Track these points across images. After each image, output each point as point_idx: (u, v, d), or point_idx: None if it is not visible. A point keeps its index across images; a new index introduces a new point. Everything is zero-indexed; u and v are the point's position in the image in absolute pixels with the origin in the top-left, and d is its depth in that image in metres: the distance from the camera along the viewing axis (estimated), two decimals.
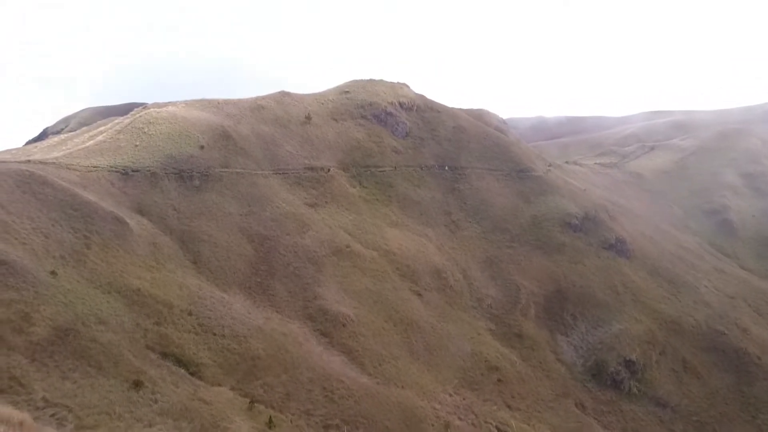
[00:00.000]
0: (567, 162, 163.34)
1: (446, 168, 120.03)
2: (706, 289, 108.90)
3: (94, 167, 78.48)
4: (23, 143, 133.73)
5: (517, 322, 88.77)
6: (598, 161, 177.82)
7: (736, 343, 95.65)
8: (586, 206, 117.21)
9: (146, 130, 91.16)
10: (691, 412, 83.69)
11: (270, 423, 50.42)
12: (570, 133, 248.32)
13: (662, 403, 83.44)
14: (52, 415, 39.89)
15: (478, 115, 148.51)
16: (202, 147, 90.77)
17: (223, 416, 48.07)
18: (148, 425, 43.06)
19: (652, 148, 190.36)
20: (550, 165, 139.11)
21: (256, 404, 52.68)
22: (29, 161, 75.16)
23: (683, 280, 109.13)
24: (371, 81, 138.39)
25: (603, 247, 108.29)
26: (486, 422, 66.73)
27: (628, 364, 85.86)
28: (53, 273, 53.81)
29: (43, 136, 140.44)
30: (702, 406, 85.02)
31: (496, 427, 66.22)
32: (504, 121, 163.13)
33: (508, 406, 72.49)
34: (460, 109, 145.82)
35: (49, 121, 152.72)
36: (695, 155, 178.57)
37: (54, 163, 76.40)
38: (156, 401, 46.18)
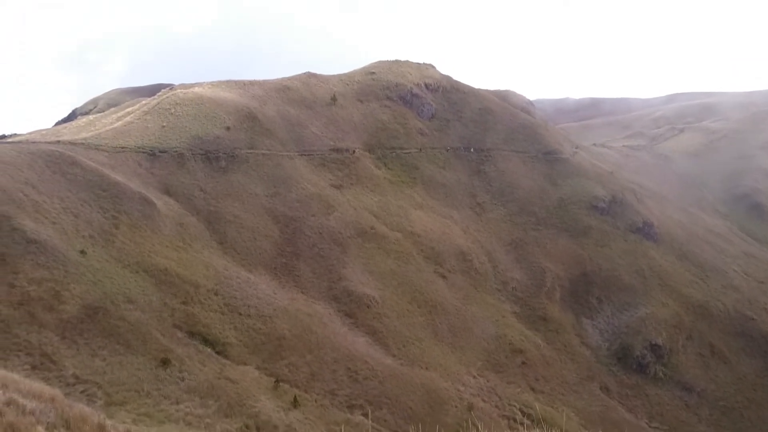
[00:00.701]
0: (594, 144, 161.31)
1: (472, 150, 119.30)
2: (735, 274, 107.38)
3: (122, 148, 79.24)
4: (53, 124, 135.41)
5: (542, 305, 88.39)
6: (626, 143, 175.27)
7: (765, 328, 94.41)
8: (614, 189, 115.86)
9: (173, 111, 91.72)
10: (718, 397, 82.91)
11: (295, 402, 50.90)
12: (597, 114, 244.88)
13: (688, 388, 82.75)
14: (83, 392, 40.62)
15: (505, 96, 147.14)
16: (228, 128, 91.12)
17: (249, 395, 48.62)
18: (175, 402, 43.69)
19: (682, 131, 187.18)
20: (577, 147, 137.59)
21: (281, 383, 53.18)
22: (59, 142, 76.11)
23: (712, 264, 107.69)
24: (397, 62, 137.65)
25: (630, 231, 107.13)
26: (510, 404, 66.74)
27: (654, 348, 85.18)
28: (83, 252, 54.60)
29: (72, 116, 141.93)
30: (729, 391, 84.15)
31: (520, 410, 66.17)
32: (531, 102, 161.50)
33: (532, 389, 72.42)
34: (487, 90, 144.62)
35: (78, 102, 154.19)
36: (726, 138, 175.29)
37: (83, 143, 77.27)
38: (183, 379, 46.81)
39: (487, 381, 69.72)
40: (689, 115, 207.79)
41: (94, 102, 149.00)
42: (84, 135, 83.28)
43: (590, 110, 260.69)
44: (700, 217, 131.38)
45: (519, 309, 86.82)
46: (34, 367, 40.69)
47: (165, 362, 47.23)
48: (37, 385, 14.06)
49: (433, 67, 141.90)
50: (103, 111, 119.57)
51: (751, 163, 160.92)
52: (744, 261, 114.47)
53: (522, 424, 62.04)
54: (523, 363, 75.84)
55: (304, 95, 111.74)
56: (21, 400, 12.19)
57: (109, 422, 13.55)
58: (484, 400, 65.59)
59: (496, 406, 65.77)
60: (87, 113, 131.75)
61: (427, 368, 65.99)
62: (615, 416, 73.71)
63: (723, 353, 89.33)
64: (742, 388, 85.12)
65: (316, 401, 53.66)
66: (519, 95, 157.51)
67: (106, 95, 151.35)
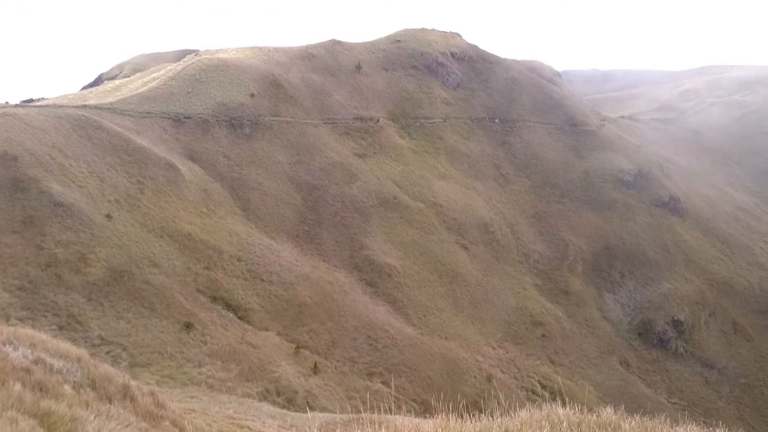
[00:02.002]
0: (622, 117, 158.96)
1: (497, 120, 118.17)
2: (762, 251, 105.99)
3: (148, 113, 79.60)
4: (79, 88, 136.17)
5: (564, 278, 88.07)
6: (654, 116, 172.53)
7: None
8: (640, 162, 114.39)
9: (198, 77, 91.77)
10: (739, 374, 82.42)
11: (315, 368, 51.47)
12: (625, 86, 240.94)
13: (709, 365, 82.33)
14: (108, 353, 41.41)
15: (532, 67, 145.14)
16: (252, 95, 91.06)
17: (270, 360, 49.23)
18: (197, 365, 44.39)
19: (712, 104, 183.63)
20: (604, 119, 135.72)
21: (301, 350, 53.77)
22: (85, 106, 76.59)
23: (738, 241, 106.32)
24: (423, 30, 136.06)
25: (655, 205, 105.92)
26: (528, 376, 66.97)
27: (676, 324, 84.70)
28: (108, 216, 55.25)
29: (99, 81, 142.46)
30: (750, 368, 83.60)
31: (539, 382, 66.39)
32: (558, 74, 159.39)
33: (552, 362, 72.51)
34: (513, 60, 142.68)
35: (105, 67, 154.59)
36: (757, 113, 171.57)
37: (109, 108, 77.72)
38: (206, 343, 47.49)
39: (507, 352, 69.91)
40: (719, 88, 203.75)
41: (120, 67, 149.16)
42: (110, 100, 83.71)
43: (618, 82, 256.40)
44: (728, 193, 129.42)
45: (540, 282, 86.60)
46: (61, 328, 41.52)
47: (188, 326, 47.91)
48: (64, 345, 14.29)
49: (459, 35, 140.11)
50: (129, 76, 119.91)
51: None
52: None
53: (541, 396, 62.24)
54: (543, 336, 75.87)
55: (329, 63, 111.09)
56: (48, 359, 12.40)
57: (133, 383, 13.76)
58: (503, 371, 65.86)
59: (515, 378, 66.03)
60: (113, 78, 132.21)
61: (446, 338, 66.29)
62: (634, 391, 73.65)
63: (746, 330, 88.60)
64: (764, 366, 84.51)
65: (335, 368, 54.21)
66: (547, 66, 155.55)
67: (132, 60, 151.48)
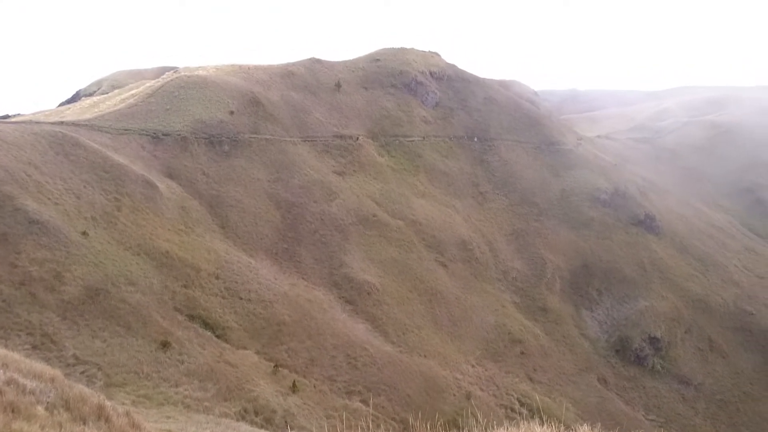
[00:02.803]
0: (598, 136, 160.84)
1: (475, 139, 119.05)
2: (736, 269, 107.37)
3: (126, 130, 79.16)
4: (56, 105, 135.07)
5: (542, 295, 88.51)
6: (630, 136, 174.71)
7: (764, 323, 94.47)
8: (616, 181, 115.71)
9: (177, 94, 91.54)
10: (715, 391, 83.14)
11: (294, 387, 51.10)
12: (602, 106, 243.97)
13: (685, 381, 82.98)
14: (82, 372, 40.79)
15: (509, 86, 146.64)
16: (232, 112, 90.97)
17: (248, 379, 48.81)
18: (174, 385, 43.86)
19: (686, 124, 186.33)
20: (580, 139, 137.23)
21: (280, 368, 53.37)
22: (62, 123, 76.05)
23: (713, 258, 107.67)
24: (402, 49, 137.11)
25: (632, 223, 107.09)
26: (508, 394, 67.00)
27: (653, 340, 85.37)
28: (84, 234, 54.67)
29: (76, 97, 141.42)
30: (726, 385, 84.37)
31: (518, 399, 66.44)
32: (535, 93, 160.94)
33: (530, 379, 72.65)
34: (491, 80, 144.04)
35: (82, 84, 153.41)
36: (730, 132, 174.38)
37: (86, 124, 77.19)
38: (183, 362, 46.97)
39: (486, 370, 69.96)
40: (694, 108, 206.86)
41: (98, 83, 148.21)
42: (87, 116, 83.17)
43: (595, 102, 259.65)
44: (703, 211, 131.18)
45: (519, 299, 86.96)
46: (34, 347, 40.87)
47: (165, 345, 47.39)
48: (38, 365, 14.12)
49: (438, 55, 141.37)
50: (107, 93, 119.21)
51: (755, 158, 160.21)
52: (745, 256, 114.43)
53: (520, 413, 62.28)
54: (522, 353, 76.05)
55: (309, 81, 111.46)
56: (21, 380, 12.25)
57: (108, 403, 13.61)
58: (482, 389, 65.85)
59: (494, 395, 66.03)
60: (91, 94, 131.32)
61: (425, 356, 66.19)
62: (612, 408, 73.96)
63: (721, 347, 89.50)
64: (739, 382, 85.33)
65: (314, 387, 53.87)
66: (524, 85, 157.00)
67: (110, 77, 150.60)
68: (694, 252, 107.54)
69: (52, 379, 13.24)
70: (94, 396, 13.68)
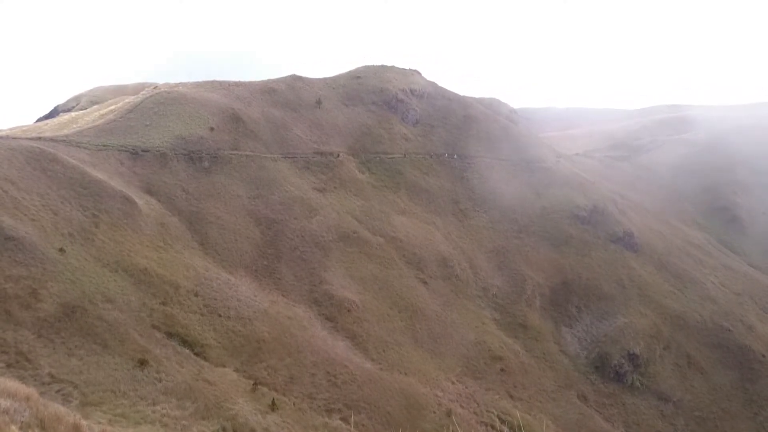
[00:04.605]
0: (577, 154, 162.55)
1: (455, 156, 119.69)
2: (713, 285, 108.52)
3: (104, 146, 78.61)
4: (34, 120, 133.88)
5: (522, 312, 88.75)
6: (608, 154, 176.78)
7: (741, 340, 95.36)
8: (595, 199, 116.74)
9: (157, 110, 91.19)
10: (693, 407, 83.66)
11: (273, 405, 50.67)
12: (580, 124, 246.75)
13: (664, 398, 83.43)
14: (58, 391, 40.16)
15: (489, 104, 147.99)
16: (212, 129, 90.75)
17: (227, 397, 48.33)
18: (152, 404, 43.30)
19: (664, 143, 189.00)
20: (559, 156, 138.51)
21: (259, 386, 52.92)
22: (40, 138, 75.32)
23: (690, 275, 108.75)
24: (383, 67, 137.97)
25: (611, 240, 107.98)
26: (488, 411, 66.90)
27: (632, 357, 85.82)
28: (61, 250, 54.05)
29: (54, 113, 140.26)
30: (704, 401, 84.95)
31: (498, 417, 66.34)
32: (515, 111, 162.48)
33: (511, 396, 72.64)
34: (471, 98, 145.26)
35: (60, 99, 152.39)
36: (706, 151, 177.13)
37: (64, 140, 76.55)
38: (160, 380, 46.43)
39: (466, 387, 69.86)
40: (670, 127, 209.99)
41: (77, 99, 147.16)
42: (66, 132, 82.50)
43: (574, 120, 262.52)
44: (680, 229, 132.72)
45: (499, 316, 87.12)
46: (9, 366, 40.18)
47: (142, 363, 46.83)
48: (12, 384, 13.90)
49: (418, 73, 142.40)
50: (86, 108, 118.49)
51: (730, 176, 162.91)
52: (722, 273, 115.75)
53: (500, 431, 62.22)
54: (502, 370, 76.06)
55: (289, 98, 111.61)
56: None
57: (84, 422, 13.42)
58: (462, 407, 65.69)
59: (475, 413, 65.89)
60: (69, 110, 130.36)
61: (406, 373, 65.99)
62: (592, 425, 74.13)
63: (699, 364, 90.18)
64: (718, 398, 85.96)
65: (294, 405, 53.44)
66: (503, 103, 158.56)
67: (89, 92, 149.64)
68: (672, 269, 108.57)
69: (27, 398, 13.04)
70: (69, 415, 13.47)
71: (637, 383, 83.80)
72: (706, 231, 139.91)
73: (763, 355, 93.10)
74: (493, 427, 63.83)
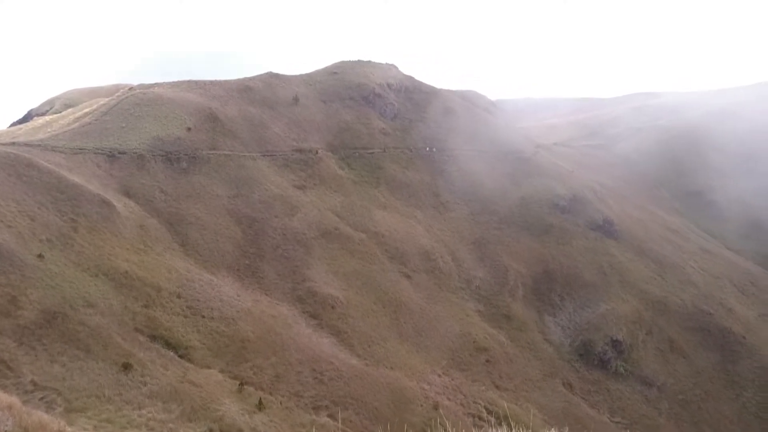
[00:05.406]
0: (555, 143, 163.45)
1: (434, 150, 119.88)
2: (693, 270, 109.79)
3: (80, 149, 77.77)
4: (7, 125, 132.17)
5: (506, 303, 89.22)
6: (585, 143, 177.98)
7: (721, 322, 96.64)
8: (574, 187, 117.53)
9: (132, 111, 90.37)
10: (677, 390, 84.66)
11: (260, 405, 50.53)
12: (557, 114, 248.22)
13: (648, 382, 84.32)
14: (41, 399, 39.74)
15: (467, 97, 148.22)
16: (189, 129, 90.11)
17: (213, 398, 48.11)
18: (137, 408, 43.01)
19: (639, 130, 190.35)
20: (538, 146, 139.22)
21: (245, 386, 52.74)
22: (14, 143, 74.39)
23: (670, 260, 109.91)
24: (360, 62, 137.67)
25: (590, 228, 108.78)
26: (475, 402, 67.23)
27: (615, 344, 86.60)
28: (40, 256, 53.44)
29: (28, 117, 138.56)
30: (687, 384, 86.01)
31: (485, 408, 66.70)
32: (493, 103, 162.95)
33: (497, 387, 73.04)
34: (449, 91, 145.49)
35: (34, 103, 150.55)
36: (682, 137, 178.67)
37: (39, 145, 75.63)
38: (145, 384, 46.11)
39: (452, 379, 70.12)
40: (645, 114, 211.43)
41: (51, 102, 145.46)
42: (40, 136, 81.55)
43: (551, 110, 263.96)
44: (658, 215, 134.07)
45: (483, 307, 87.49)
46: None
47: (126, 367, 46.48)
48: None
49: (395, 67, 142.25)
50: (61, 111, 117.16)
51: (705, 161, 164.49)
52: (700, 257, 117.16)
53: (487, 421, 62.57)
54: (487, 361, 76.44)
55: (266, 95, 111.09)
56: None
57: (69, 429, 13.30)
58: (449, 399, 65.95)
59: (462, 405, 66.18)
60: (43, 114, 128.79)
61: (392, 368, 66.09)
62: (578, 412, 74.77)
63: (681, 348, 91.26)
64: (700, 381, 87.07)
65: (281, 403, 53.34)
66: (481, 96, 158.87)
67: (63, 95, 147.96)
68: (652, 255, 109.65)
69: (10, 407, 12.89)
70: (54, 422, 13.34)
71: (621, 369, 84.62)
72: (684, 216, 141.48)
73: (744, 337, 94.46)
74: (480, 418, 64.18)
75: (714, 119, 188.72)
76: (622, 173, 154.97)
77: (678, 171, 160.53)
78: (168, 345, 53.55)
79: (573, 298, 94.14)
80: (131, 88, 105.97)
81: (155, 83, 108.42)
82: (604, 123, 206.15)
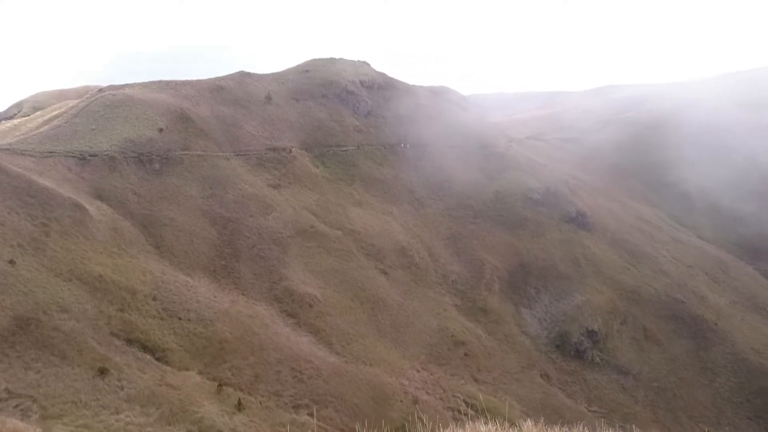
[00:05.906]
0: (528, 137, 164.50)
1: (408, 146, 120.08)
2: (665, 259, 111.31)
3: (50, 152, 76.71)
4: None
5: (482, 296, 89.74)
6: (557, 136, 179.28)
7: (694, 310, 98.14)
8: (547, 181, 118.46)
9: (103, 113, 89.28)
10: (652, 378, 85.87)
11: (239, 405, 50.40)
12: (530, 108, 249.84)
13: (624, 371, 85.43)
14: (16, 406, 39.31)
15: (439, 93, 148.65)
16: (161, 129, 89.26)
17: (192, 400, 47.88)
18: (115, 412, 42.68)
19: (609, 122, 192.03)
20: (511, 141, 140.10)
21: (224, 387, 52.57)
22: None
23: (643, 250, 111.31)
24: (331, 60, 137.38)
25: (564, 221, 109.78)
26: (454, 396, 67.63)
27: (591, 334, 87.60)
28: (11, 262, 52.71)
29: None
30: (662, 372, 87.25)
31: (464, 401, 67.14)
32: (465, 98, 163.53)
33: (475, 380, 73.52)
34: (421, 87, 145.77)
35: (1, 107, 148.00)
36: (652, 128, 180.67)
37: (8, 149, 74.46)
38: (122, 388, 45.78)
39: (431, 374, 70.45)
40: (615, 107, 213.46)
41: (18, 106, 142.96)
42: (9, 140, 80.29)
43: (523, 104, 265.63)
44: (631, 206, 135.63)
45: (460, 301, 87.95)
46: None
47: (103, 371, 46.09)
48: None
49: (367, 64, 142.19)
50: (29, 115, 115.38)
51: (677, 153, 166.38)
52: (673, 247, 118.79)
53: (466, 414, 62.93)
54: (466, 355, 76.91)
55: (238, 95, 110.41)
56: None
57: None
58: (428, 393, 66.27)
59: (441, 399, 66.55)
60: (11, 117, 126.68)
61: (371, 364, 66.24)
62: (555, 402, 75.53)
63: (655, 336, 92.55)
64: (674, 368, 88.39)
65: (260, 403, 53.23)
66: (453, 91, 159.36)
67: (31, 98, 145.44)
68: (625, 245, 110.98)
69: None
70: (29, 430, 13.23)
71: (597, 359, 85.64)
72: (657, 207, 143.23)
73: (716, 324, 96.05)
74: (459, 411, 64.57)
75: (682, 111, 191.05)
76: (594, 165, 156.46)
77: (649, 162, 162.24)
78: (145, 348, 53.17)
79: (548, 290, 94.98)
80: (101, 90, 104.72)
81: (125, 84, 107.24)
82: (575, 116, 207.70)
